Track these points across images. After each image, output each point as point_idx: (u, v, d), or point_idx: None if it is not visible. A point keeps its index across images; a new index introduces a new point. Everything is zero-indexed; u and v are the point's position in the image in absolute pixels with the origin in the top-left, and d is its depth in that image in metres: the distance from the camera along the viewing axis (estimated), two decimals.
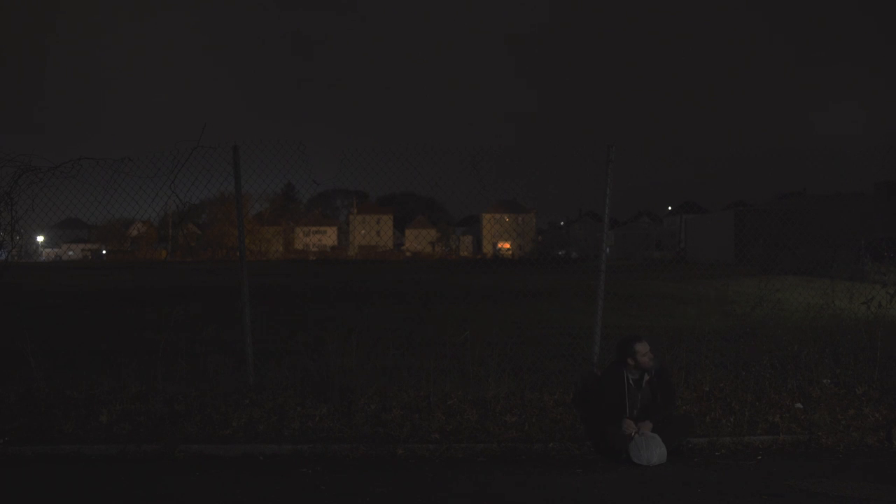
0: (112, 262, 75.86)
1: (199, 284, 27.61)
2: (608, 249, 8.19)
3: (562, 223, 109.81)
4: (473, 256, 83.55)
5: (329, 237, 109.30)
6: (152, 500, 5.28)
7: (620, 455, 6.06)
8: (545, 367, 7.98)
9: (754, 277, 8.62)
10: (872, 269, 10.36)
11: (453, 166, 7.73)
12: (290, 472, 5.88)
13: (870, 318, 8.00)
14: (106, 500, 5.31)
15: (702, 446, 6.40)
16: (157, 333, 8.14)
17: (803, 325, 8.21)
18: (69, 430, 6.68)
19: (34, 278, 32.96)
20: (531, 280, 21.15)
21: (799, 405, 7.06)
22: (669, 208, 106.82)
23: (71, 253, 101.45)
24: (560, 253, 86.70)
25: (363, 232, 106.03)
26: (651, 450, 5.96)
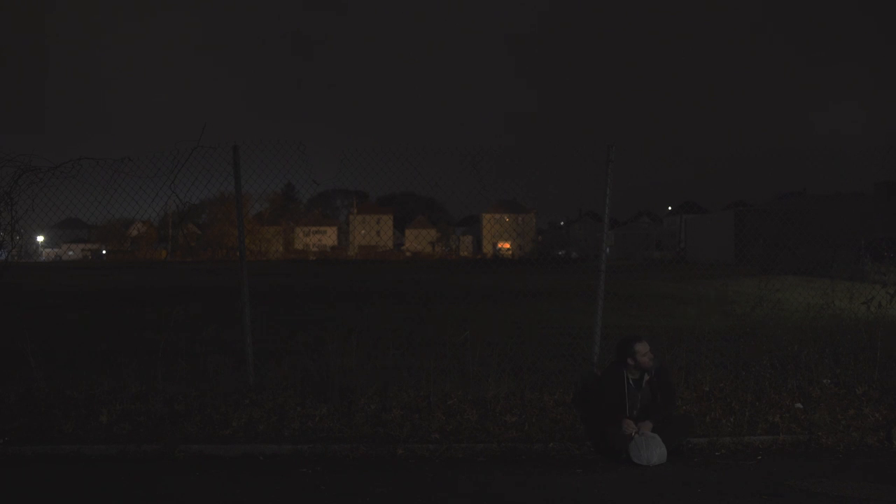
0: (112, 262, 75.86)
1: (199, 284, 27.61)
2: (608, 249, 8.19)
3: (562, 223, 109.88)
4: (473, 256, 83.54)
5: (329, 237, 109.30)
6: (152, 500, 5.28)
7: (620, 455, 6.06)
8: (545, 367, 7.98)
9: (754, 277, 8.61)
10: (872, 269, 10.35)
11: (453, 166, 7.73)
12: (290, 472, 5.87)
13: (870, 318, 8.00)
14: (106, 500, 5.32)
15: (702, 446, 6.40)
16: (157, 333, 8.14)
17: (803, 325, 8.21)
18: (69, 430, 6.68)
19: (34, 278, 32.96)
20: (531, 280, 21.15)
21: (799, 405, 7.06)
22: (669, 208, 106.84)
23: (71, 253, 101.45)
24: (560, 253, 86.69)
25: (363, 232, 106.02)
26: (651, 450, 5.96)
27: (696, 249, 59.60)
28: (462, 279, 24.82)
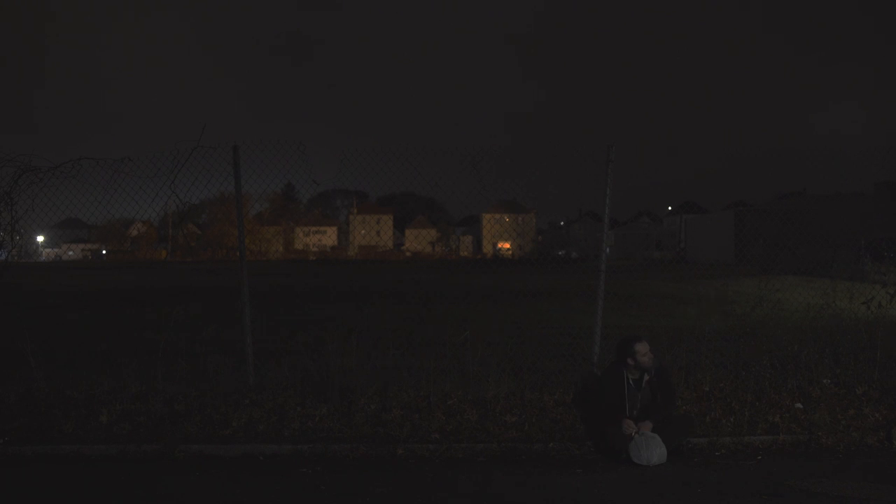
0: (112, 262, 75.85)
1: (199, 284, 27.61)
2: (608, 249, 8.19)
3: (562, 223, 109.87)
4: (473, 256, 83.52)
5: (329, 237, 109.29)
6: (152, 500, 5.28)
7: (620, 455, 6.06)
8: (545, 367, 7.98)
9: (754, 277, 8.61)
10: (872, 269, 10.35)
11: (453, 166, 7.73)
12: (290, 472, 5.88)
13: (870, 318, 8.00)
14: (106, 500, 5.32)
15: (702, 446, 6.40)
16: (157, 333, 8.14)
17: (803, 325, 8.21)
18: (69, 430, 6.68)
19: (34, 278, 32.96)
20: (531, 280, 21.15)
21: (799, 405, 7.06)
22: (669, 208, 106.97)
23: (71, 253, 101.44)
24: (560, 253, 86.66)
25: (363, 232, 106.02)
26: (651, 450, 5.96)
27: (696, 249, 59.60)
28: (462, 279, 24.82)
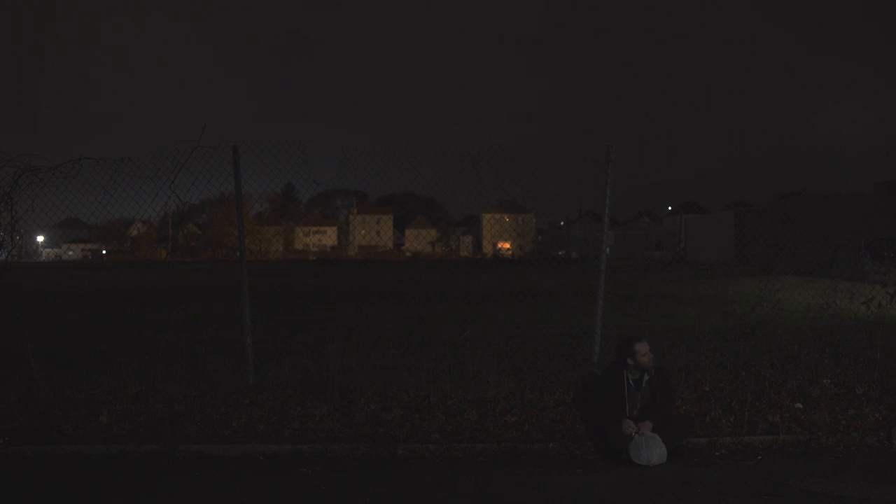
0: (112, 262, 75.86)
1: (199, 284, 27.62)
2: (608, 249, 8.19)
3: (562, 223, 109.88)
4: (473, 256, 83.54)
5: (329, 237, 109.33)
6: (152, 500, 5.28)
7: (620, 455, 6.06)
8: (545, 367, 7.98)
9: (754, 277, 8.62)
10: (872, 269, 10.35)
11: (453, 166, 7.73)
12: (290, 472, 5.88)
13: (870, 318, 8.01)
14: (106, 500, 5.32)
15: (702, 446, 6.40)
16: (157, 333, 8.14)
17: (803, 325, 8.21)
18: (69, 430, 6.68)
19: (34, 278, 32.97)
20: (531, 280, 21.15)
21: (799, 405, 7.06)
22: (669, 208, 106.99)
23: (71, 253, 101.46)
24: (560, 253, 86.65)
25: (363, 232, 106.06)
26: (651, 450, 5.96)
27: (696, 249, 59.61)
28: (462, 279, 24.82)
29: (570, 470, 5.90)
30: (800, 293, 8.71)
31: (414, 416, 6.85)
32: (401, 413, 6.89)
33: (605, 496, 5.27)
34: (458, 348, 7.85)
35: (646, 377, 6.37)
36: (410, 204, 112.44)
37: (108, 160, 7.68)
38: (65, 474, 5.86)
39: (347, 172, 7.83)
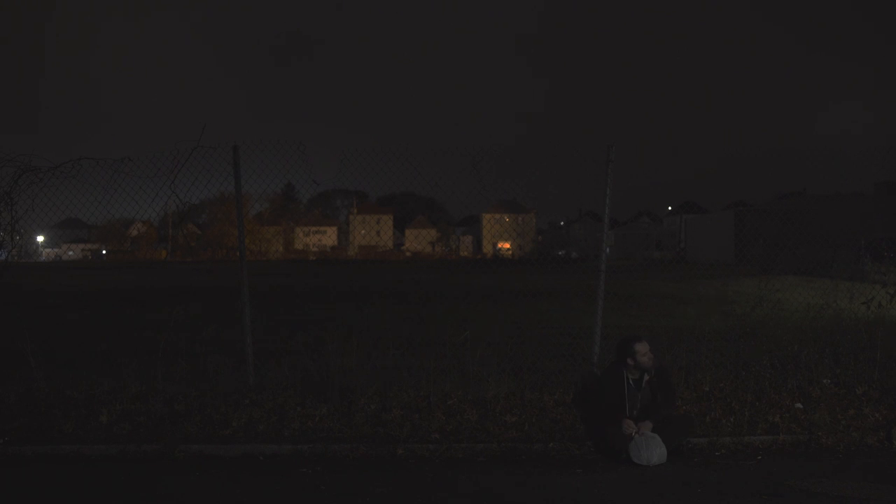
0: (112, 262, 75.85)
1: (199, 284, 27.61)
2: (608, 249, 8.19)
3: (562, 223, 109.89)
4: (473, 256, 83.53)
5: (329, 237, 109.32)
6: (152, 500, 5.28)
7: (620, 455, 6.06)
8: (545, 367, 7.98)
9: (754, 277, 8.61)
10: (872, 269, 10.35)
11: (453, 166, 7.73)
12: (290, 472, 5.88)
13: (870, 318, 8.00)
14: (106, 500, 5.32)
15: (702, 446, 6.40)
16: (157, 333, 8.14)
17: (803, 325, 8.21)
18: (69, 430, 6.68)
19: (34, 278, 32.96)
20: (531, 280, 21.14)
21: (799, 405, 7.06)
22: (669, 208, 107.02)
23: (71, 253, 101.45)
24: (560, 253, 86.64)
25: (363, 232, 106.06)
26: (651, 450, 5.96)
27: (696, 249, 59.61)
28: (462, 279, 24.81)
29: (570, 470, 5.90)
30: (800, 293, 8.71)
31: (414, 416, 6.85)
32: (401, 413, 6.89)
33: (605, 496, 5.27)
34: (458, 348, 7.85)
35: (646, 377, 6.37)
36: (410, 204, 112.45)
37: (108, 160, 7.69)
38: (65, 474, 5.86)
39: (347, 172, 7.84)
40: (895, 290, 8.05)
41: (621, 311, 13.25)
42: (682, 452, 6.18)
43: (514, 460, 6.20)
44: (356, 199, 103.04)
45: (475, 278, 24.39)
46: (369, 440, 6.47)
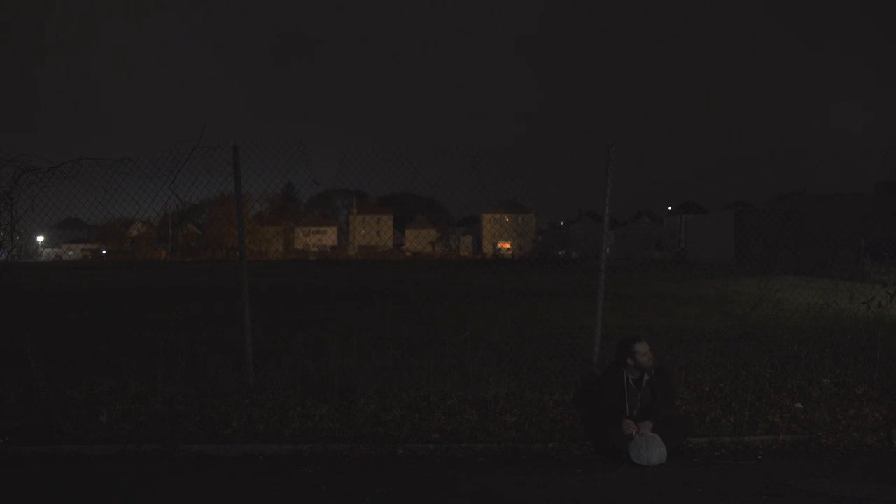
0: (112, 262, 75.85)
1: (199, 284, 27.61)
2: (608, 249, 8.19)
3: (562, 223, 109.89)
4: (473, 256, 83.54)
5: (329, 237, 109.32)
6: (152, 500, 5.28)
7: (620, 455, 6.06)
8: (545, 367, 7.98)
9: (754, 277, 8.61)
10: (872, 269, 10.35)
11: (453, 166, 7.73)
12: (290, 472, 5.87)
13: (870, 318, 8.00)
14: (106, 500, 5.31)
15: (702, 446, 6.40)
16: (157, 333, 8.14)
17: (803, 325, 8.21)
18: (69, 430, 6.68)
19: (34, 278, 32.96)
20: (531, 280, 21.14)
21: (799, 405, 7.06)
22: (669, 208, 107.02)
23: (71, 253, 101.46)
24: (560, 253, 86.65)
25: (363, 232, 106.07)
26: (651, 450, 5.96)
27: (696, 249, 59.61)
28: (462, 279, 24.81)
29: (570, 470, 5.90)
30: (800, 293, 8.71)
31: (414, 416, 6.85)
32: (401, 413, 6.89)
33: (605, 496, 5.27)
34: (458, 348, 7.85)
35: (646, 377, 6.37)
36: (410, 204, 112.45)
37: (108, 160, 7.69)
38: (65, 474, 5.86)
39: (347, 172, 7.84)
40: (895, 290, 8.05)
41: (621, 311, 13.25)
42: (682, 452, 6.18)
43: (514, 460, 6.20)
44: (356, 199, 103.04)
45: (475, 278, 24.40)
46: (369, 440, 6.47)
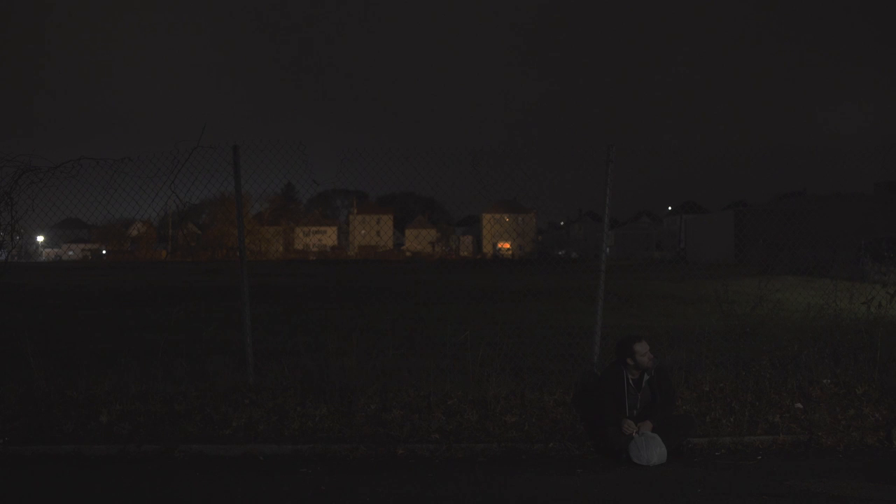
0: (112, 262, 75.83)
1: (199, 284, 27.62)
2: (608, 249, 8.19)
3: (562, 223, 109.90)
4: (473, 256, 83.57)
5: (329, 237, 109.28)
6: (152, 501, 5.28)
7: (620, 455, 6.06)
8: (545, 368, 7.98)
9: (754, 277, 8.61)
10: (872, 269, 10.35)
11: (453, 166, 7.73)
12: (290, 472, 5.88)
13: (870, 318, 8.00)
14: (106, 500, 5.32)
15: (702, 446, 6.40)
16: (157, 333, 8.15)
17: (803, 325, 8.21)
18: (69, 430, 6.68)
19: (34, 278, 32.96)
20: (531, 280, 21.14)
21: (799, 405, 7.06)
22: (669, 208, 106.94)
23: (71, 253, 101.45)
24: (560, 253, 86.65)
25: (363, 232, 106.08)
26: (651, 450, 5.96)
27: (696, 249, 59.61)
28: (462, 279, 24.81)
29: (570, 470, 5.90)
30: (800, 293, 8.70)
31: (414, 416, 6.85)
32: (401, 413, 6.89)
33: (605, 496, 5.27)
34: (458, 348, 7.85)
35: (646, 377, 6.37)
36: (410, 204, 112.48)
37: (108, 160, 7.68)
38: (65, 474, 5.86)
39: (347, 172, 7.83)
40: (895, 290, 8.05)
41: (621, 311, 13.25)
42: (682, 452, 6.18)
43: (514, 460, 6.20)
44: (356, 199, 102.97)
45: (475, 278, 24.39)
46: (369, 440, 6.47)
